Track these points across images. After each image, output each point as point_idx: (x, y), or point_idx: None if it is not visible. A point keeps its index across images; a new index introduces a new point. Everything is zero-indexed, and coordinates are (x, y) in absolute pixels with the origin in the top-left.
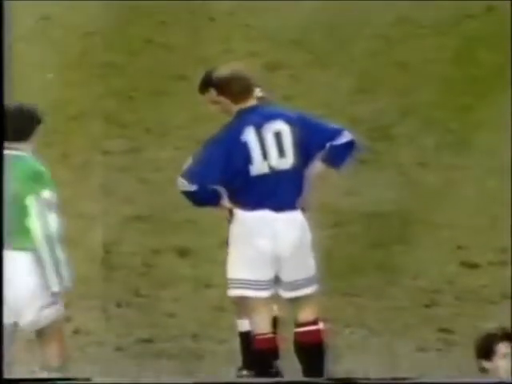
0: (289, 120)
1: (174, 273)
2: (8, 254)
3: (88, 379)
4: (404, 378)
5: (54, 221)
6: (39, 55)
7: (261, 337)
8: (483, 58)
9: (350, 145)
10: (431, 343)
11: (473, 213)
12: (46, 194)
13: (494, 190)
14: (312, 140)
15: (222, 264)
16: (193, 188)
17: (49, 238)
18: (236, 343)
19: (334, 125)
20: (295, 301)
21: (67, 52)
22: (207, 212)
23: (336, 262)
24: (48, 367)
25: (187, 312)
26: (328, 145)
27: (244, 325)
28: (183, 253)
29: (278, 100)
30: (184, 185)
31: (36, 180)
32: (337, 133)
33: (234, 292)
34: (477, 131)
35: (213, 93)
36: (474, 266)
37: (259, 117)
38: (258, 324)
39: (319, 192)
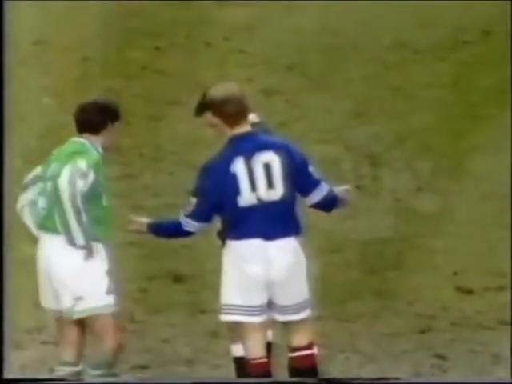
0: (279, 150)
1: (169, 298)
2: (46, 237)
3: (81, 379)
4: (396, 378)
5: (82, 188)
6: (35, 79)
7: (255, 361)
8: (480, 82)
9: (326, 200)
10: (426, 369)
11: (469, 238)
12: (82, 164)
13: (490, 214)
14: (297, 184)
15: (217, 290)
16: (199, 227)
17: (74, 200)
18: (231, 369)
19: (314, 176)
20: (289, 325)
21: (63, 76)
22: (202, 238)
23: (331, 288)
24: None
25: (182, 338)
26: (307, 200)
27: (238, 350)
28: (178, 278)
29: (274, 125)
30: (194, 226)
31: (76, 154)
32: (314, 187)
33: (226, 318)
34: (473, 156)
35: (209, 116)
36: (469, 291)
37: (250, 146)
38: (252, 349)
39: (314, 218)
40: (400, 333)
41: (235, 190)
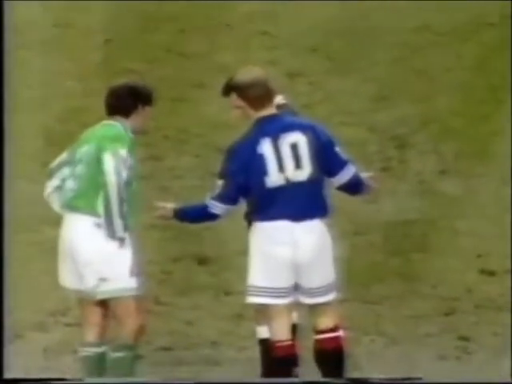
0: (306, 131)
1: (194, 281)
2: (72, 217)
3: (80, 379)
4: (419, 378)
5: (126, 177)
6: (58, 63)
7: (280, 344)
8: (503, 66)
9: (352, 181)
10: (451, 351)
11: (492, 220)
12: (123, 152)
13: None
14: (324, 164)
15: (242, 271)
16: (226, 209)
17: (120, 191)
18: (255, 351)
19: (341, 156)
20: (315, 307)
21: (86, 60)
22: (226, 220)
23: (356, 270)
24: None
25: (206, 320)
26: (335, 181)
27: (263, 332)
28: (202, 261)
29: (298, 108)
30: (220, 208)
31: (116, 140)
32: (341, 168)
33: (253, 300)
34: (496, 139)
35: (234, 97)
36: (493, 273)
37: (276, 127)
38: (277, 331)
39: (339, 200)
40: (424, 315)
41: (263, 171)
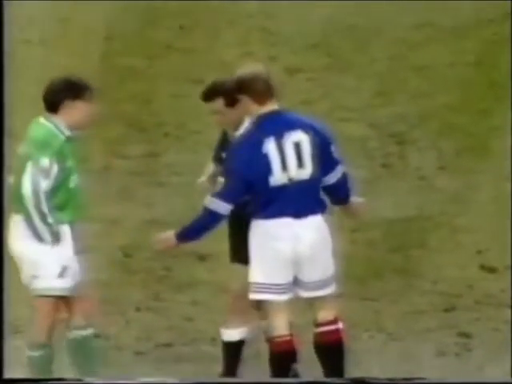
0: (307, 129)
1: (193, 277)
2: (13, 217)
3: (80, 379)
4: (421, 378)
5: (45, 187)
6: (58, 58)
7: (279, 339)
8: (503, 61)
9: (339, 184)
10: (450, 347)
11: (492, 217)
12: (45, 162)
13: None
14: (320, 163)
15: (240, 268)
16: (228, 209)
17: (37, 201)
18: (255, 347)
19: (335, 156)
20: (314, 301)
21: (86, 56)
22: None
23: (355, 267)
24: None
25: (206, 316)
26: (324, 181)
27: (230, 334)
28: (202, 257)
29: (298, 104)
30: (224, 207)
31: (41, 146)
32: (333, 168)
33: (254, 296)
34: (496, 135)
35: (219, 102)
36: (493, 269)
37: (280, 126)
38: (276, 327)
39: None
40: (424, 311)
41: (267, 171)
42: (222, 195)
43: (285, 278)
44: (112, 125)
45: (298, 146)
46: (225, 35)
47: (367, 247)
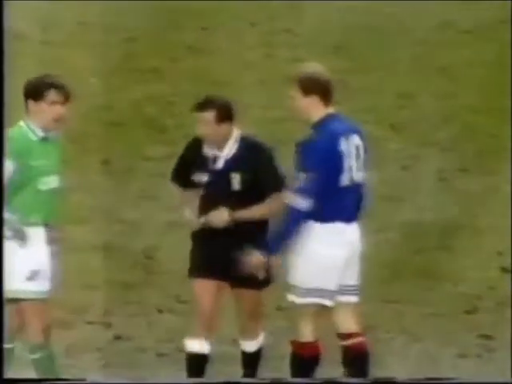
0: (361, 135)
1: None
2: None
3: (83, 379)
4: (441, 379)
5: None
6: (80, 60)
7: (310, 345)
8: None
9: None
10: (472, 349)
11: None
12: (7, 163)
13: None
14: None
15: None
16: (307, 205)
17: None
18: (276, 348)
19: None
20: (343, 308)
21: (108, 57)
22: None
23: (377, 269)
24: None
25: (227, 317)
26: None
27: (195, 345)
28: None
29: None
30: (307, 203)
31: (9, 147)
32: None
33: (300, 300)
34: None
35: (211, 115)
36: None
37: (345, 127)
38: (305, 332)
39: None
40: (445, 313)
41: (340, 168)
42: (305, 191)
43: (335, 283)
44: (134, 126)
45: (357, 149)
46: (247, 36)
47: (389, 249)
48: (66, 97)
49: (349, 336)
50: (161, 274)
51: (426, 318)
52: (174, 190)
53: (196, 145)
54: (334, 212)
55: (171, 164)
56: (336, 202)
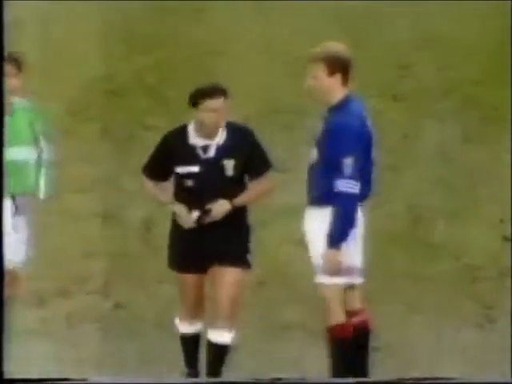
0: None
1: None
2: None
3: (85, 379)
4: (441, 379)
5: None
6: (81, 25)
7: (346, 324)
8: None
9: None
10: (473, 319)
11: None
12: None
13: None
14: None
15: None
16: (357, 189)
17: None
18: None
19: None
20: (352, 288)
21: (109, 24)
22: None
23: (378, 240)
24: None
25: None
26: None
27: (186, 327)
28: None
29: None
30: (353, 187)
31: None
32: None
33: (335, 280)
34: None
35: (220, 102)
36: None
37: (363, 106)
38: (340, 312)
39: None
40: (447, 283)
41: (370, 149)
42: (354, 175)
43: (359, 260)
44: (134, 95)
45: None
46: (247, 9)
47: (390, 219)
48: (19, 68)
49: (355, 313)
50: (161, 244)
51: (427, 289)
52: (145, 183)
53: (179, 136)
54: (366, 192)
55: None
56: (367, 183)
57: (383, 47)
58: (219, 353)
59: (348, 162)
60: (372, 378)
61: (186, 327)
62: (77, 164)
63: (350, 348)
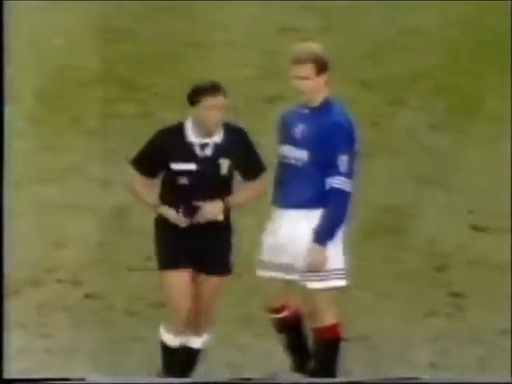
0: None
1: None
2: None
3: (83, 379)
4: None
5: None
6: (50, 19)
7: (340, 324)
8: (494, 23)
9: None
10: (442, 307)
11: (483, 177)
12: None
13: (505, 154)
14: None
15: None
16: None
17: None
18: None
19: None
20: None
21: (79, 16)
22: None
23: (347, 226)
24: None
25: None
26: None
27: (172, 339)
28: None
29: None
30: (349, 185)
31: None
32: None
33: (340, 283)
34: (488, 96)
35: (223, 100)
36: (484, 229)
37: (344, 106)
38: (333, 314)
39: None
40: (416, 271)
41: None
42: (350, 173)
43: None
44: (104, 86)
45: None
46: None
47: (357, 207)
48: None
49: (283, 309)
50: (131, 232)
51: (397, 276)
52: (134, 180)
53: (175, 133)
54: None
55: (142, 123)
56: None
57: (353, 35)
58: (192, 356)
59: (344, 159)
60: (342, 367)
61: (171, 339)
62: (47, 153)
63: (339, 347)
